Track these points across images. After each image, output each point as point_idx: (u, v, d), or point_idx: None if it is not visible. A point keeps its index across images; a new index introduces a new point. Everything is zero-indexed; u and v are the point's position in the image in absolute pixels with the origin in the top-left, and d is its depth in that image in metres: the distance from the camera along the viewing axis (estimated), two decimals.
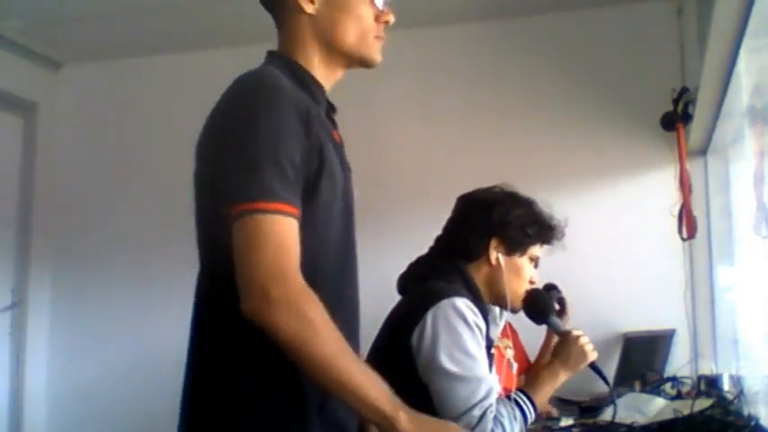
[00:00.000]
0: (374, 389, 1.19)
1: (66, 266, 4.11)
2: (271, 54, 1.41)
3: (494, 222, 1.89)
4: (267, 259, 1.14)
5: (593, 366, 1.92)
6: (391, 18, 1.44)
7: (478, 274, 1.91)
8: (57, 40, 4.02)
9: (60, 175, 4.18)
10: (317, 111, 1.33)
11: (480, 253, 1.90)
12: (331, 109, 1.44)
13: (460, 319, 1.75)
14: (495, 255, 1.90)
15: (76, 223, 4.09)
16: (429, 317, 1.75)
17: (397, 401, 1.21)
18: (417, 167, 3.73)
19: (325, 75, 1.41)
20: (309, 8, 1.36)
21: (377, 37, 1.42)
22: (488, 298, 1.92)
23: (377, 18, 1.42)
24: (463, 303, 1.77)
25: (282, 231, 1.16)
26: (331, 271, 1.31)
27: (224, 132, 1.24)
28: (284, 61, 1.37)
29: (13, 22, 3.70)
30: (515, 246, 1.91)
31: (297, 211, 1.19)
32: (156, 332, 3.67)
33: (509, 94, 3.71)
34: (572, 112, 3.60)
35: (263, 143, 1.19)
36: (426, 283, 1.88)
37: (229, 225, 1.16)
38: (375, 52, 1.43)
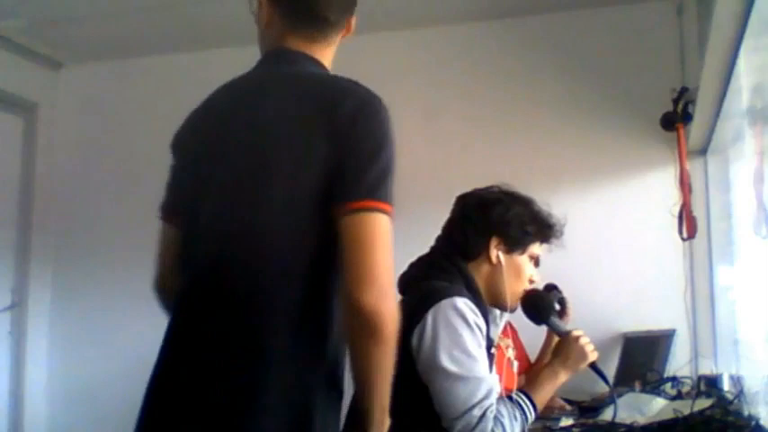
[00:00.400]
0: (387, 398, 1.32)
1: (66, 266, 4.11)
2: (319, 63, 1.47)
3: (494, 221, 1.90)
4: (388, 260, 1.25)
5: (593, 366, 1.92)
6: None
7: (479, 274, 1.91)
8: (57, 40, 4.02)
9: (60, 175, 4.18)
10: None
11: (481, 252, 1.91)
12: None
13: (461, 319, 1.75)
14: (496, 253, 1.90)
15: (76, 223, 4.08)
16: (429, 317, 1.75)
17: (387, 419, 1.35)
18: (418, 167, 3.72)
19: None
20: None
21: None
22: (488, 298, 1.92)
23: None
24: (464, 303, 1.77)
25: (391, 235, 1.29)
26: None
27: (379, 135, 1.39)
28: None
29: (14, 22, 3.70)
30: (515, 244, 1.92)
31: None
32: (156, 332, 3.66)
33: (509, 94, 3.71)
34: (572, 111, 3.60)
35: (392, 157, 1.41)
36: (427, 282, 1.88)
37: (347, 215, 1.25)
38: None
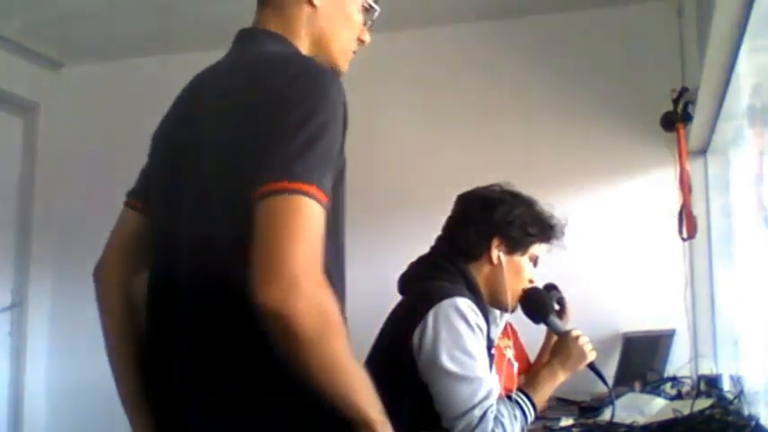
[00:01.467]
0: (369, 395, 1.13)
1: (66, 267, 4.11)
2: (264, 33, 1.37)
3: (496, 221, 1.90)
4: (303, 250, 1.04)
5: (591, 366, 1.92)
6: (367, 38, 1.45)
7: (479, 274, 1.91)
8: (57, 40, 4.02)
9: (60, 175, 4.18)
10: None
11: (482, 252, 1.90)
12: None
13: (461, 320, 1.75)
14: (497, 254, 1.90)
15: (76, 224, 4.08)
16: (430, 317, 1.75)
17: (386, 418, 1.15)
18: (417, 167, 3.73)
19: None
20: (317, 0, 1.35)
21: (353, 51, 1.44)
22: (488, 298, 1.92)
23: (358, 33, 1.43)
24: (464, 303, 1.77)
25: (319, 219, 1.08)
26: (339, 273, 1.27)
27: (279, 106, 1.14)
28: (282, 43, 1.34)
29: (14, 22, 3.70)
30: (517, 245, 1.92)
31: (327, 201, 1.12)
32: None
33: (509, 94, 3.71)
34: (572, 111, 3.60)
35: (327, 132, 1.13)
36: (428, 282, 1.88)
37: (259, 201, 1.06)
38: (346, 63, 1.42)
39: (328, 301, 1.06)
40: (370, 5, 1.42)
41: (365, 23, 1.43)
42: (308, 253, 1.05)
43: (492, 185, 1.99)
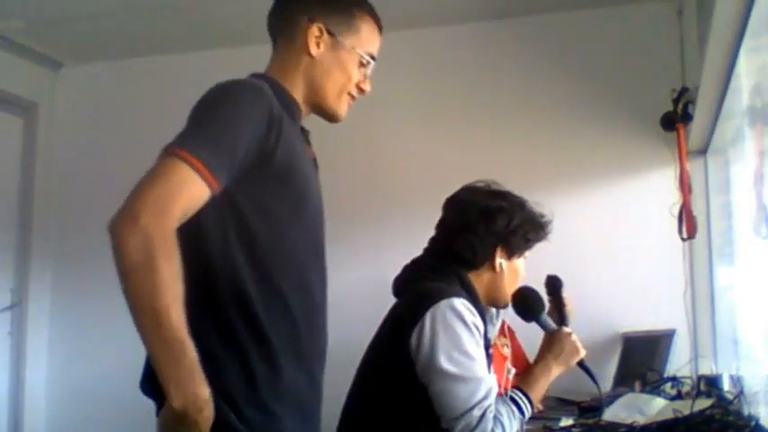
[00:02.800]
0: (175, 364, 1.17)
1: (66, 267, 4.11)
2: (254, 75, 1.51)
3: (498, 231, 1.91)
4: (158, 194, 1.20)
5: (581, 364, 1.95)
6: (368, 88, 1.59)
7: (479, 280, 1.92)
8: (57, 40, 4.02)
9: (60, 175, 4.17)
10: (293, 125, 1.46)
11: (485, 261, 1.92)
12: (304, 131, 1.57)
13: (459, 320, 1.75)
14: (500, 261, 1.92)
15: (76, 223, 4.08)
16: (427, 318, 1.75)
17: (198, 383, 1.18)
18: (417, 167, 3.73)
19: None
20: (315, 51, 1.51)
21: (350, 95, 1.57)
22: (485, 300, 1.93)
23: (358, 82, 1.56)
24: (461, 304, 1.77)
25: (189, 186, 1.23)
26: (299, 272, 1.42)
27: (195, 106, 1.35)
28: (269, 80, 1.48)
29: (13, 22, 3.70)
30: (517, 251, 1.95)
31: (216, 187, 1.26)
32: None
33: (509, 94, 3.71)
34: (572, 112, 3.60)
35: (221, 118, 1.31)
36: (423, 283, 1.88)
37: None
38: (343, 109, 1.58)
39: (161, 248, 1.17)
40: (368, 61, 1.56)
41: (365, 75, 1.58)
42: (159, 200, 1.19)
43: (477, 182, 1.99)
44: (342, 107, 1.57)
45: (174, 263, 1.18)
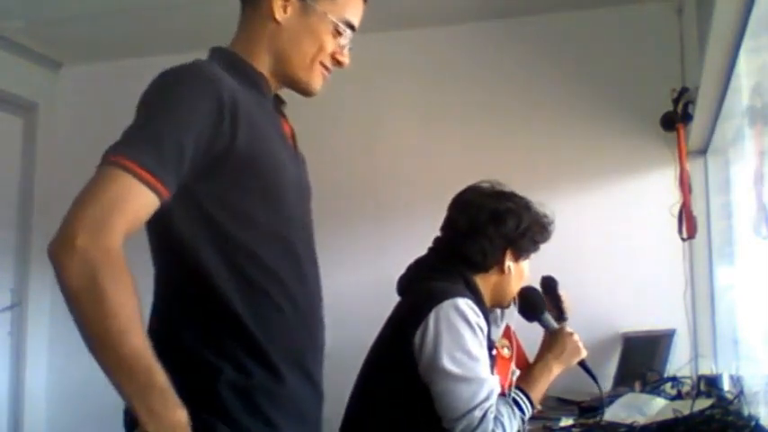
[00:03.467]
0: (132, 380, 1.10)
1: None
2: (214, 50, 1.42)
3: (508, 234, 1.91)
4: (94, 211, 1.10)
5: (582, 364, 1.95)
6: (347, 61, 1.44)
7: (486, 281, 1.92)
8: (57, 40, 4.02)
9: (60, 175, 4.17)
10: (261, 102, 1.35)
11: (494, 264, 1.92)
12: (279, 101, 1.45)
13: (462, 320, 1.75)
14: (508, 264, 1.93)
15: None
16: (431, 317, 1.75)
17: (171, 408, 1.10)
18: (417, 167, 3.73)
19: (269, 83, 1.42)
20: (279, 16, 1.37)
21: (324, 66, 1.42)
22: (490, 301, 1.94)
23: (333, 53, 1.42)
24: (465, 304, 1.77)
25: (131, 196, 1.13)
26: (280, 264, 1.30)
27: (138, 103, 1.27)
28: (226, 55, 1.38)
29: (13, 22, 3.70)
30: (525, 253, 1.96)
31: (164, 191, 1.15)
32: None
33: (508, 93, 3.71)
34: (572, 111, 3.60)
35: (162, 114, 1.20)
36: (427, 283, 1.88)
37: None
38: (317, 82, 1.43)
39: (105, 270, 1.08)
40: (344, 29, 1.41)
41: (342, 45, 1.42)
42: (97, 216, 1.09)
43: (481, 182, 1.99)
44: (314, 79, 1.41)
45: (121, 283, 1.08)
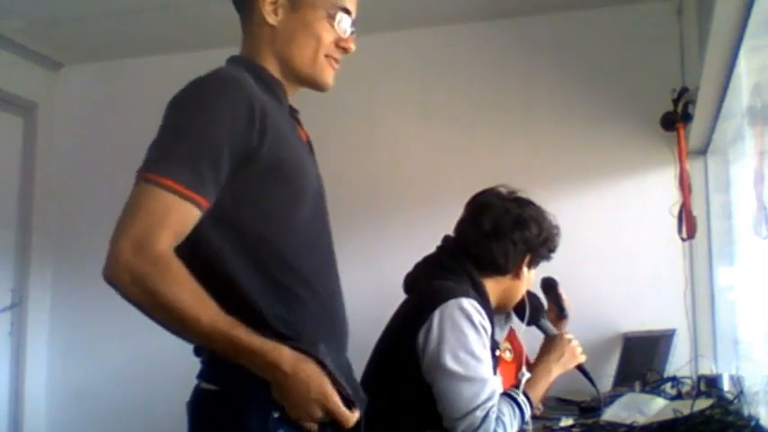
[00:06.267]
0: (225, 329, 1.18)
1: (66, 266, 4.11)
2: (232, 58, 1.44)
3: (531, 241, 1.94)
4: (135, 229, 1.16)
5: (581, 368, 1.96)
6: (352, 46, 1.43)
7: (498, 284, 1.94)
8: (57, 40, 4.02)
9: (60, 175, 4.17)
10: (280, 109, 1.36)
11: (511, 268, 1.94)
12: (293, 111, 1.46)
13: (466, 320, 1.76)
14: (525, 269, 1.94)
15: (76, 223, 4.08)
16: (436, 316, 1.76)
17: (271, 349, 1.20)
18: (417, 167, 3.72)
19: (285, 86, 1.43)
20: (272, 19, 1.38)
21: (331, 58, 1.41)
22: (496, 304, 1.95)
23: (336, 42, 1.41)
24: (470, 304, 1.78)
25: (171, 211, 1.17)
26: (305, 263, 1.32)
27: (166, 112, 1.27)
28: (246, 63, 1.39)
29: (13, 22, 3.70)
30: (540, 260, 1.98)
31: (204, 202, 1.19)
32: (156, 332, 3.66)
33: (509, 94, 3.71)
34: (572, 111, 3.60)
35: (194, 124, 1.21)
36: (433, 282, 1.89)
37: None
38: (326, 75, 1.42)
39: (158, 279, 1.15)
40: (337, 14, 1.40)
41: (343, 31, 1.41)
42: (137, 235, 1.15)
43: (497, 187, 2.00)
44: (324, 73, 1.41)
45: (178, 281, 1.16)
